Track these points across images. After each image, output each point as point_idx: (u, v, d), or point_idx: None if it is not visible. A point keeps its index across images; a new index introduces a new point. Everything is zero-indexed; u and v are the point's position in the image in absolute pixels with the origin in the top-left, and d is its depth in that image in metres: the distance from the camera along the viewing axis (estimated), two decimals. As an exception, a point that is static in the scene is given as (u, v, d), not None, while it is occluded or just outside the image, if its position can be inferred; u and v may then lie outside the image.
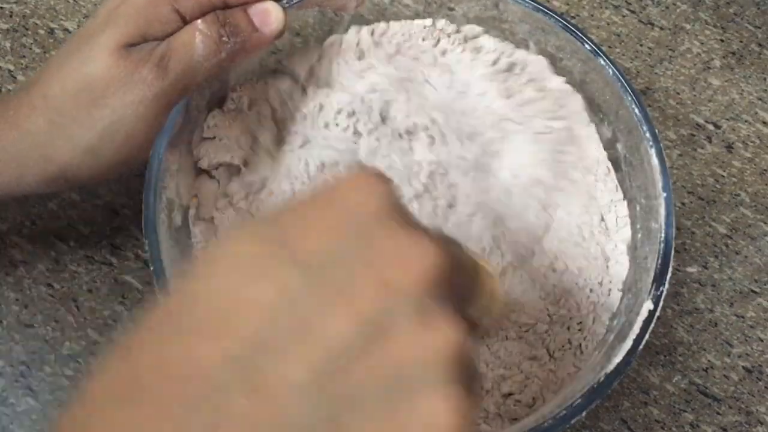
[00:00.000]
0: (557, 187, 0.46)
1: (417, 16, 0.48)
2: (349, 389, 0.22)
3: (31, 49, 0.56)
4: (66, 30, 0.57)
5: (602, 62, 0.44)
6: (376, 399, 0.22)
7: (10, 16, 0.57)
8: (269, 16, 0.41)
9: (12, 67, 0.55)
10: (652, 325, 0.38)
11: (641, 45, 0.59)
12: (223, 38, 0.40)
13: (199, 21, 0.40)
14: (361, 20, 0.48)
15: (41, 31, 0.57)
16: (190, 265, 0.24)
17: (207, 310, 0.22)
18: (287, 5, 0.44)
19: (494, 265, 0.34)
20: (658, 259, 0.39)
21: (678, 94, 0.57)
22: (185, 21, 0.40)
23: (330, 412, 0.21)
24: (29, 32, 0.57)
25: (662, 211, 0.40)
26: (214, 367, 0.21)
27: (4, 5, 0.57)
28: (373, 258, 0.24)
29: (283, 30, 0.42)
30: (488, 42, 0.48)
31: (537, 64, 0.47)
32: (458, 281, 0.26)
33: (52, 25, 0.57)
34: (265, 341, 0.22)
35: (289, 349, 0.22)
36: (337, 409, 0.22)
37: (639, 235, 0.43)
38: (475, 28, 0.48)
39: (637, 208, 0.43)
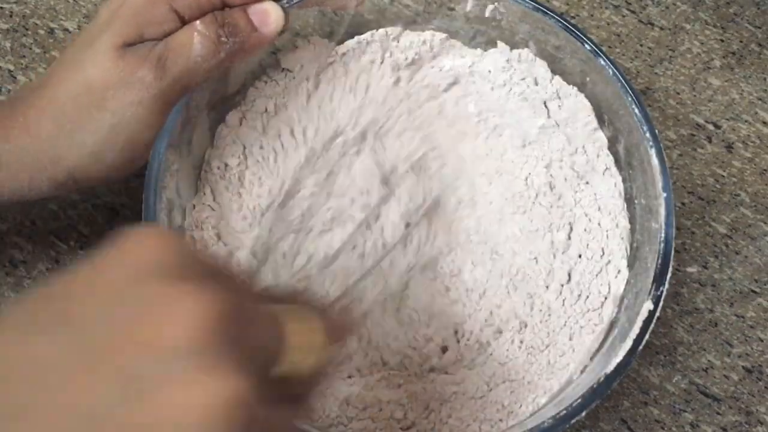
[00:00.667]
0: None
1: (417, 16, 0.48)
2: None
3: (31, 49, 0.56)
4: (66, 30, 0.57)
5: (602, 62, 0.44)
6: None
7: (10, 16, 0.57)
8: (268, 17, 0.41)
9: (12, 67, 0.55)
10: (652, 325, 0.38)
11: (641, 45, 0.59)
12: (222, 38, 0.40)
13: (197, 21, 0.40)
14: (362, 20, 0.48)
15: (41, 31, 0.57)
16: None
17: None
18: (287, 5, 0.44)
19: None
20: (658, 259, 0.39)
21: (678, 94, 0.57)
22: (184, 21, 0.40)
23: None
24: (29, 32, 0.57)
25: (662, 211, 0.40)
26: None
27: (4, 5, 0.57)
28: (140, 315, 0.23)
29: (282, 30, 0.42)
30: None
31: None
32: (255, 334, 0.25)
33: (52, 25, 0.57)
34: (11, 410, 0.22)
35: (32, 415, 0.21)
36: None
37: (639, 235, 0.43)
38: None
39: (637, 208, 0.43)
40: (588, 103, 0.46)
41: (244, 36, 0.40)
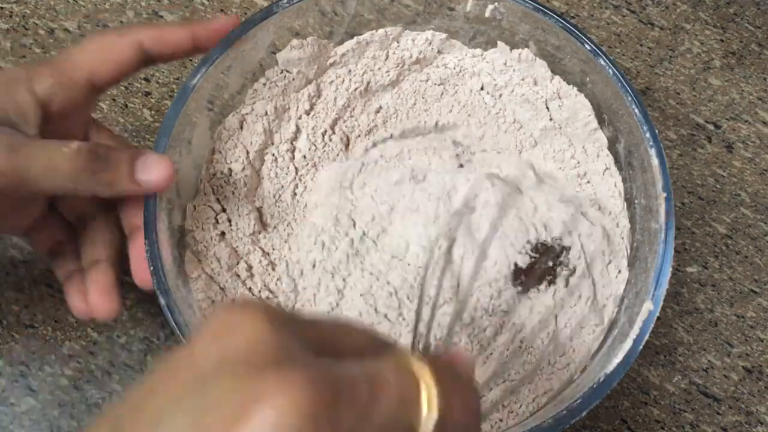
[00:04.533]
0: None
1: (417, 16, 0.48)
2: None
3: (31, 49, 0.56)
4: (66, 30, 0.57)
5: (602, 62, 0.44)
6: None
7: (10, 16, 0.57)
8: (153, 170, 0.38)
9: (11, 67, 0.55)
10: (652, 325, 0.38)
11: (641, 45, 0.59)
12: (90, 170, 0.37)
13: (76, 141, 0.37)
14: (362, 20, 0.48)
15: (41, 31, 0.57)
16: None
17: None
18: (287, 5, 0.44)
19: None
20: (658, 259, 0.39)
21: (678, 94, 0.57)
22: (44, 105, 0.38)
23: None
24: (29, 32, 0.57)
25: (662, 211, 0.40)
26: None
27: (4, 5, 0.57)
28: (206, 416, 0.21)
29: (165, 186, 0.39)
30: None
31: None
32: (371, 401, 0.22)
33: (52, 25, 0.57)
34: None
35: None
36: None
37: (639, 236, 0.43)
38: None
39: (637, 208, 0.43)
40: (588, 103, 0.46)
41: (114, 180, 0.38)
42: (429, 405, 0.23)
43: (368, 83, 0.49)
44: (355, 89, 0.48)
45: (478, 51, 0.49)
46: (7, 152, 0.35)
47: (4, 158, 0.35)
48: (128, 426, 0.22)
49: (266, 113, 0.46)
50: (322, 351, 0.23)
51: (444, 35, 0.49)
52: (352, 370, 0.23)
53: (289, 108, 0.48)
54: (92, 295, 0.40)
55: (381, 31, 0.48)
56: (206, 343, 0.23)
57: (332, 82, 0.48)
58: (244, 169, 0.45)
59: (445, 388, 0.24)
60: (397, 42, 0.49)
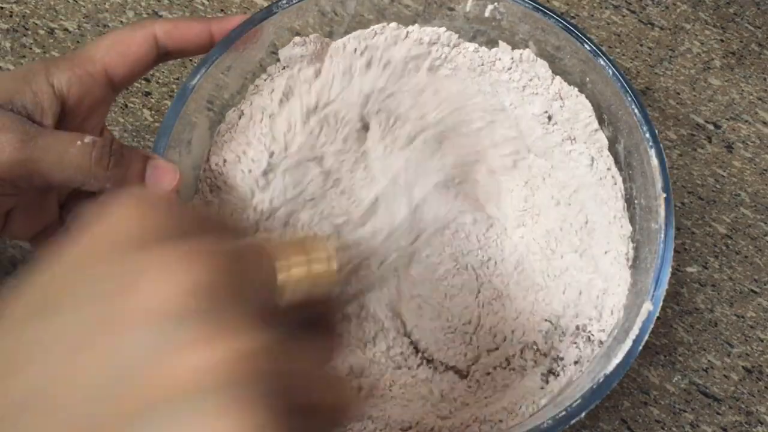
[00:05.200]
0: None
1: (417, 16, 0.48)
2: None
3: (31, 49, 0.56)
4: (66, 30, 0.57)
5: (602, 62, 0.44)
6: None
7: (10, 16, 0.57)
8: (164, 176, 0.39)
9: (12, 67, 0.55)
10: (652, 325, 0.38)
11: (641, 45, 0.59)
12: (102, 165, 0.37)
13: (87, 138, 0.37)
14: (362, 20, 0.48)
15: (41, 31, 0.57)
16: None
17: None
18: (287, 5, 0.44)
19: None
20: (657, 260, 0.39)
21: (678, 94, 0.57)
22: (61, 97, 0.39)
23: None
24: (29, 32, 0.57)
25: (662, 211, 0.40)
26: None
27: (4, 5, 0.57)
28: (127, 287, 0.22)
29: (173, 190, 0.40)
30: None
31: None
32: (250, 277, 0.24)
33: (52, 25, 0.57)
34: (15, 403, 0.21)
35: (39, 407, 0.21)
36: None
37: (639, 236, 0.43)
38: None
39: (637, 208, 0.43)
40: (589, 104, 0.46)
41: (125, 178, 0.38)
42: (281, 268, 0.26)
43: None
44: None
45: (484, 49, 0.49)
46: (20, 142, 0.35)
47: (18, 148, 0.35)
48: (40, 312, 0.22)
49: (265, 108, 0.46)
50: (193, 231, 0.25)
51: (454, 34, 0.49)
52: (221, 245, 0.24)
53: (289, 102, 0.47)
54: None
55: (392, 24, 0.48)
56: (94, 234, 0.24)
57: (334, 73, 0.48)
58: (242, 166, 0.45)
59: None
60: (403, 36, 0.49)
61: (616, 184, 0.46)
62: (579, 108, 0.46)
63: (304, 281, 0.26)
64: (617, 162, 0.46)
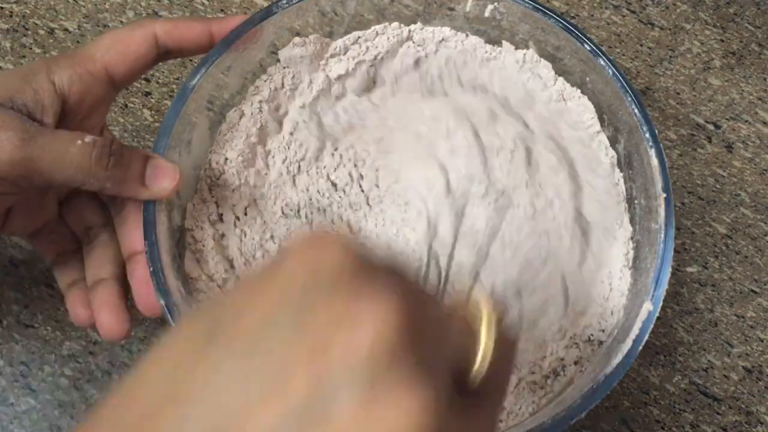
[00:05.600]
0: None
1: (417, 16, 0.48)
2: None
3: (31, 49, 0.56)
4: (66, 30, 0.57)
5: (602, 62, 0.44)
6: None
7: (10, 16, 0.57)
8: (164, 177, 0.39)
9: (12, 67, 0.55)
10: (652, 325, 0.38)
11: (641, 45, 0.59)
12: (102, 165, 0.37)
13: (88, 137, 0.37)
14: (362, 20, 0.48)
15: (41, 31, 0.57)
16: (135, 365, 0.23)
17: (137, 413, 0.21)
18: (287, 5, 0.44)
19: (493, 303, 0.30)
20: (657, 260, 0.39)
21: (678, 94, 0.57)
22: (62, 95, 0.39)
23: None
24: (29, 32, 0.57)
25: (662, 211, 0.40)
26: None
27: (4, 5, 0.57)
28: (308, 329, 0.21)
29: (169, 195, 0.40)
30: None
31: None
32: (436, 338, 0.23)
33: (52, 25, 0.57)
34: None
35: None
36: None
37: (639, 236, 0.43)
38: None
39: (637, 208, 0.43)
40: (591, 105, 0.46)
41: (125, 178, 0.38)
42: (483, 357, 0.25)
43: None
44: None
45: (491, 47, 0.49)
46: (20, 140, 0.35)
47: (17, 147, 0.35)
48: (222, 340, 0.22)
49: (265, 108, 0.46)
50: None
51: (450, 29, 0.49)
52: (430, 299, 0.24)
53: (289, 102, 0.47)
54: (102, 315, 0.40)
55: (395, 24, 0.48)
56: (290, 265, 0.23)
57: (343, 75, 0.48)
58: (242, 164, 0.45)
59: (494, 345, 0.25)
60: (404, 34, 0.49)
61: (618, 184, 0.46)
62: (581, 110, 0.46)
63: (489, 353, 0.25)
64: (617, 162, 0.46)
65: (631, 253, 0.43)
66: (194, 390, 0.21)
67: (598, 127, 0.46)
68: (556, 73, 0.47)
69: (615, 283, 0.44)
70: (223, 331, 0.22)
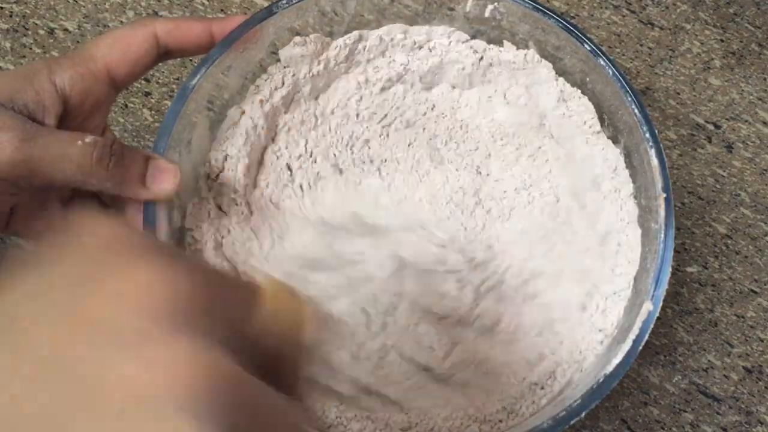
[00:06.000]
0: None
1: (417, 16, 0.48)
2: None
3: (31, 49, 0.56)
4: (66, 30, 0.57)
5: (602, 62, 0.44)
6: None
7: (10, 16, 0.57)
8: (165, 178, 0.39)
9: (12, 67, 0.55)
10: (652, 325, 0.38)
11: (641, 45, 0.59)
12: (102, 165, 0.37)
13: (88, 138, 0.37)
14: (362, 20, 0.48)
15: (41, 31, 0.57)
16: None
17: None
18: (287, 5, 0.44)
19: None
20: (657, 260, 0.39)
21: (678, 94, 0.57)
22: (63, 95, 0.39)
23: None
24: (29, 32, 0.57)
25: (662, 211, 0.40)
26: None
27: (4, 5, 0.57)
28: (82, 300, 0.21)
29: (170, 196, 0.40)
30: None
31: None
32: (220, 302, 0.24)
33: (52, 25, 0.57)
34: None
35: None
36: None
37: (639, 235, 0.43)
38: None
39: (637, 208, 0.43)
40: (591, 106, 0.46)
41: (125, 178, 0.38)
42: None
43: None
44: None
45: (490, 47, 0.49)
46: (21, 141, 0.35)
47: (18, 147, 0.35)
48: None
49: (266, 107, 0.46)
50: None
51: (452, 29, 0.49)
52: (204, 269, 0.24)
53: (289, 102, 0.47)
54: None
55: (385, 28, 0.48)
56: (68, 248, 0.23)
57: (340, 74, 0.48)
58: (241, 162, 0.45)
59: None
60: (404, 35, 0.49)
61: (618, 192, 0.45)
62: (582, 110, 0.46)
63: (284, 322, 0.26)
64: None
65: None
66: None
67: (598, 127, 0.46)
68: (556, 73, 0.47)
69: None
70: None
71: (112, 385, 0.20)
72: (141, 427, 0.19)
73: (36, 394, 0.20)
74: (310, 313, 0.27)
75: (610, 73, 0.43)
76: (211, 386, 0.20)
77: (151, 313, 0.21)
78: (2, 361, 0.21)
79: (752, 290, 0.52)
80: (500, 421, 0.41)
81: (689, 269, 0.52)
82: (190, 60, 0.56)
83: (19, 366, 0.21)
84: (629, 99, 0.42)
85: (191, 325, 0.21)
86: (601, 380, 0.36)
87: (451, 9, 0.48)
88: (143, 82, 0.55)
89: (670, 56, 0.59)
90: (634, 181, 0.44)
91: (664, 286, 0.38)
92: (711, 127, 0.56)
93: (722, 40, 0.59)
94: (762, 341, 0.50)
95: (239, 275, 0.26)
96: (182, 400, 0.19)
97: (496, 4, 0.47)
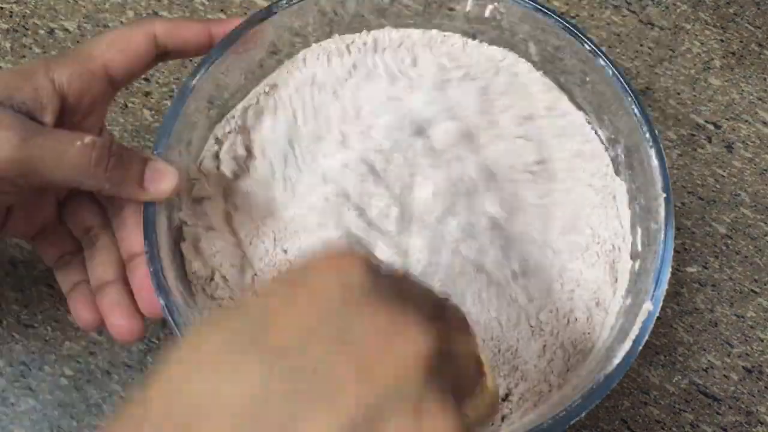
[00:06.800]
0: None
1: (417, 16, 0.48)
2: None
3: (31, 49, 0.56)
4: (66, 30, 0.57)
5: (602, 63, 0.44)
6: None
7: (10, 16, 0.57)
8: (162, 179, 0.39)
9: (11, 67, 0.55)
10: (651, 326, 0.38)
11: (641, 45, 0.59)
12: (102, 166, 0.37)
13: (87, 138, 0.37)
14: (362, 20, 0.48)
15: (41, 31, 0.57)
16: (160, 365, 0.22)
17: (176, 414, 0.21)
18: (287, 5, 0.44)
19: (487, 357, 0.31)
20: (657, 260, 0.39)
21: (678, 94, 0.57)
22: (61, 93, 0.38)
23: None
24: (29, 32, 0.57)
25: (662, 212, 0.40)
26: None
27: (4, 5, 0.57)
28: (352, 344, 0.21)
29: (171, 195, 0.39)
30: None
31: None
32: (452, 369, 0.23)
33: (52, 25, 0.57)
34: None
35: None
36: None
37: (639, 236, 0.43)
38: None
39: (637, 208, 0.43)
40: (605, 155, 0.47)
41: (124, 179, 0.38)
42: (482, 387, 0.26)
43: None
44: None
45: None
46: (20, 140, 0.35)
47: (17, 146, 0.35)
48: (262, 348, 0.21)
49: (265, 105, 0.46)
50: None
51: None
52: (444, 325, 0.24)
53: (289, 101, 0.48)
54: (114, 318, 0.40)
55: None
56: (323, 277, 0.23)
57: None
58: (240, 159, 0.45)
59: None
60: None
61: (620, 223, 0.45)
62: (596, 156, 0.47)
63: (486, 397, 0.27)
64: (617, 162, 0.46)
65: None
66: (236, 401, 0.20)
67: (612, 172, 0.46)
68: (555, 73, 0.47)
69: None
70: (260, 338, 0.21)
71: None
72: None
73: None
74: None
75: (610, 73, 0.43)
76: None
77: (420, 375, 0.21)
78: (272, 381, 0.21)
79: (752, 290, 0.52)
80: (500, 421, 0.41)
81: (689, 269, 0.52)
82: (190, 60, 0.56)
83: (293, 393, 0.20)
84: (629, 99, 0.42)
85: (443, 390, 0.22)
86: (601, 380, 0.36)
87: (451, 9, 0.48)
88: (143, 82, 0.55)
89: (670, 56, 0.59)
90: (633, 182, 0.44)
91: (664, 286, 0.38)
92: (711, 127, 0.56)
93: (722, 40, 0.59)
94: (762, 341, 0.50)
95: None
96: None
97: (496, 4, 0.47)
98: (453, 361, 0.23)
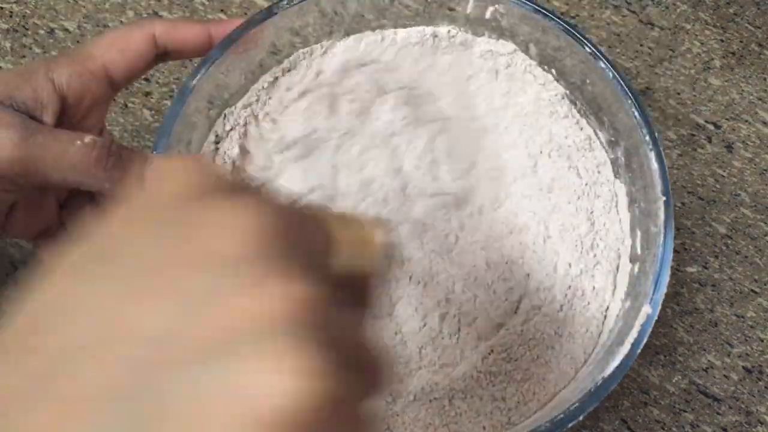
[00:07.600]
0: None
1: (417, 16, 0.48)
2: (167, 370, 0.19)
3: (31, 49, 0.56)
4: (66, 30, 0.57)
5: (602, 64, 0.44)
6: (198, 373, 0.19)
7: (10, 16, 0.57)
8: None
9: (12, 67, 0.55)
10: (650, 329, 0.38)
11: (641, 45, 0.59)
12: (102, 165, 0.37)
13: (87, 137, 0.37)
14: (362, 20, 0.48)
15: (41, 31, 0.57)
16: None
17: (20, 329, 0.21)
18: (287, 5, 0.44)
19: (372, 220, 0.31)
20: (657, 263, 0.39)
21: (678, 94, 0.57)
22: (61, 93, 0.39)
23: (146, 402, 0.19)
24: (29, 32, 0.57)
25: (661, 215, 0.40)
26: (11, 386, 0.20)
27: (4, 5, 0.57)
28: (186, 234, 0.21)
29: None
30: None
31: None
32: (305, 237, 0.24)
33: (52, 25, 0.57)
34: (74, 349, 0.20)
35: (99, 351, 0.20)
36: (153, 396, 0.19)
37: (638, 239, 0.43)
38: None
39: (637, 211, 0.43)
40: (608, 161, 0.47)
41: (124, 179, 0.38)
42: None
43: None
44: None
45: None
46: (21, 139, 0.35)
47: (17, 145, 0.35)
48: (102, 262, 0.22)
49: (263, 96, 0.47)
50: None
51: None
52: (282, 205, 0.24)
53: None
54: None
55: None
56: (148, 191, 0.23)
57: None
58: (237, 158, 0.45)
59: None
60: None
61: (621, 229, 0.45)
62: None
63: (355, 251, 0.26)
64: (617, 164, 0.46)
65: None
66: (78, 307, 0.21)
67: (612, 177, 0.46)
68: (555, 74, 0.47)
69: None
70: (102, 254, 0.22)
71: (229, 313, 0.20)
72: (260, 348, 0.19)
73: (150, 318, 0.20)
74: (376, 236, 0.27)
75: (610, 75, 0.43)
76: (315, 320, 0.21)
77: (261, 246, 0.21)
78: (116, 286, 0.21)
79: (752, 290, 0.52)
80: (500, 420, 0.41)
81: (689, 269, 0.52)
82: (190, 60, 0.56)
83: (132, 290, 0.21)
84: (629, 101, 0.42)
85: (286, 258, 0.22)
86: (598, 383, 0.36)
87: (452, 9, 0.48)
88: (143, 82, 0.55)
89: (670, 56, 0.59)
90: (633, 184, 0.44)
91: (663, 289, 0.38)
92: (711, 127, 0.56)
93: (722, 40, 0.59)
94: (762, 341, 0.50)
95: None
96: (293, 326, 0.20)
97: (496, 5, 0.46)
98: (301, 228, 0.23)
